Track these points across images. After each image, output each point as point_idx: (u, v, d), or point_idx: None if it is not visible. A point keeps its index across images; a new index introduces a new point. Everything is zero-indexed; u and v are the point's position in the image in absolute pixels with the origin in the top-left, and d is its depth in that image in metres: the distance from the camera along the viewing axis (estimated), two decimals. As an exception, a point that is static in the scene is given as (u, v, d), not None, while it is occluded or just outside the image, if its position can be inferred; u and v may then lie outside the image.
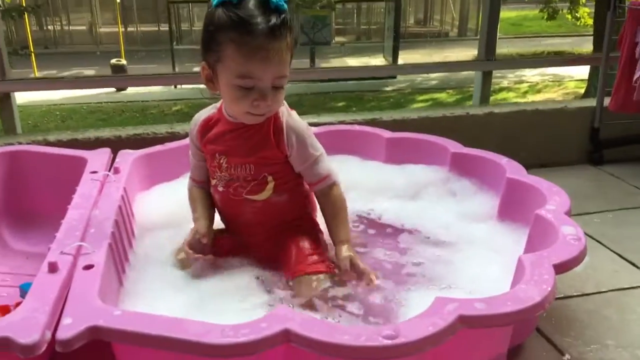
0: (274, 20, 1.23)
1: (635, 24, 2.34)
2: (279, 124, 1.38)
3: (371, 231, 1.65)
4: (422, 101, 12.59)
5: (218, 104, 1.44)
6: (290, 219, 1.46)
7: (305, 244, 1.40)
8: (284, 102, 1.39)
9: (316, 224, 1.50)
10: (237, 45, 1.23)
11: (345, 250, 1.36)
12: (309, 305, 1.25)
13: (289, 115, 1.40)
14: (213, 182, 1.46)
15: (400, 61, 14.95)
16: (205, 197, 1.49)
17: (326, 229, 1.45)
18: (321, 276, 1.33)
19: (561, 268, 1.19)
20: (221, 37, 1.25)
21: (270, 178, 1.40)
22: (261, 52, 1.23)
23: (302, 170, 1.42)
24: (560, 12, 12.63)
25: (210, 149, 1.43)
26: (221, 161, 1.41)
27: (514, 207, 1.62)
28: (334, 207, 1.42)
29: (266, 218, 1.44)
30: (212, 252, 1.42)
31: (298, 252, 1.38)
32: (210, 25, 1.27)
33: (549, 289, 1.09)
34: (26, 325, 0.97)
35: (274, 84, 1.28)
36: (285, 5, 1.26)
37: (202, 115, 1.46)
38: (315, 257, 1.38)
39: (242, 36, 1.22)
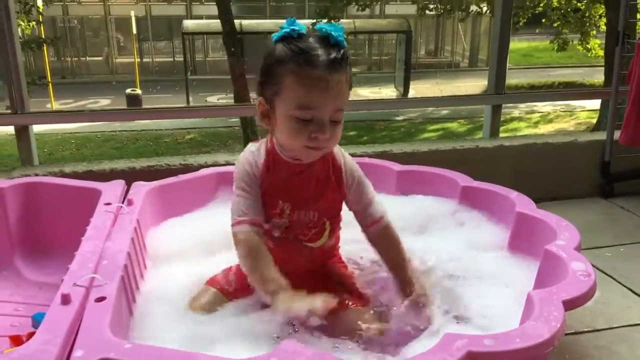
0: (334, 54, 1.24)
1: (644, 59, 2.37)
2: (337, 164, 1.39)
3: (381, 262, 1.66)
4: (433, 131, 12.66)
5: (262, 148, 1.38)
6: (331, 261, 1.50)
7: (346, 281, 1.46)
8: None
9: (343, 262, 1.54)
10: (298, 76, 1.23)
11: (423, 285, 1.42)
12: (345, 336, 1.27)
13: (344, 156, 1.42)
14: (265, 225, 1.38)
15: (411, 91, 15.10)
16: (266, 247, 1.33)
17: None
18: (363, 309, 1.37)
19: (571, 304, 1.19)
20: (281, 70, 1.25)
21: (327, 224, 1.42)
22: (321, 82, 1.22)
23: (359, 210, 1.43)
24: (571, 43, 12.71)
25: (272, 193, 1.36)
26: (284, 208, 1.37)
27: (523, 241, 1.62)
28: (398, 244, 1.44)
29: (316, 262, 1.46)
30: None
31: (341, 289, 1.41)
32: (270, 59, 1.27)
33: (558, 325, 1.09)
34: (38, 357, 0.99)
35: (332, 118, 1.26)
36: (345, 42, 1.27)
37: (255, 157, 1.37)
38: (354, 293, 1.43)
39: (303, 67, 1.22)
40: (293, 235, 1.40)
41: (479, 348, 1.02)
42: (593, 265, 1.89)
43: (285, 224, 1.38)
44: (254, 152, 1.39)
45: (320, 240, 1.43)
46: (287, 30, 1.25)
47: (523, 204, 1.69)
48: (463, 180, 1.89)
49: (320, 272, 1.47)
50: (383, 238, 1.44)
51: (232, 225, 1.33)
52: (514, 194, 1.75)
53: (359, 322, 1.31)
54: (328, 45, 1.24)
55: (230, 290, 1.41)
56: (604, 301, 1.69)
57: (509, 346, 1.04)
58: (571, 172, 2.55)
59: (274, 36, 1.28)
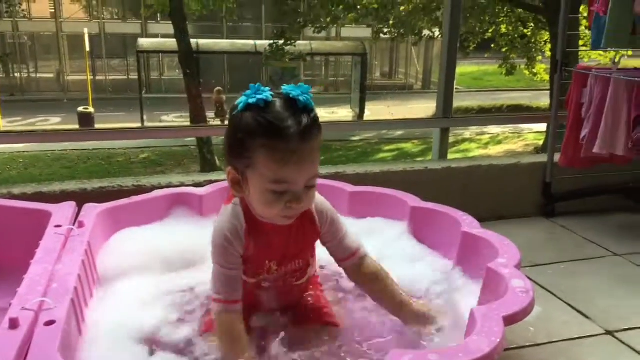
0: (305, 121, 1.20)
1: (580, 87, 2.51)
2: (309, 211, 1.38)
3: (337, 285, 1.69)
4: (388, 151, 12.90)
5: (240, 214, 1.34)
6: (310, 288, 1.56)
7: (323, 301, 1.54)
8: None
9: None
10: (270, 151, 1.19)
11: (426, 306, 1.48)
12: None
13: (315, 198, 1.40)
14: (252, 280, 1.40)
15: (367, 112, 15.35)
16: (243, 327, 1.33)
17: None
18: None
19: (510, 320, 1.25)
20: (251, 144, 1.20)
21: (311, 258, 1.48)
22: (294, 156, 1.19)
23: (333, 245, 1.44)
24: (519, 67, 13.26)
25: (257, 258, 1.37)
26: (271, 266, 1.39)
27: (468, 260, 1.69)
28: (380, 273, 1.45)
29: (305, 292, 1.52)
30: None
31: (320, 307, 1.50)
32: (238, 131, 1.22)
33: (498, 340, 1.15)
34: (-15, 383, 0.97)
35: (307, 184, 1.25)
36: (312, 103, 1.23)
37: (235, 226, 1.33)
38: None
39: (274, 142, 1.18)
40: (283, 281, 1.44)
41: (424, 363, 1.07)
42: (535, 282, 1.99)
43: (273, 277, 1.42)
44: (232, 220, 1.34)
45: (307, 275, 1.49)
46: (254, 99, 1.21)
47: (468, 223, 1.76)
48: (412, 201, 1.95)
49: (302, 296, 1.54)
50: (361, 271, 1.45)
51: (212, 299, 1.35)
52: (459, 214, 1.83)
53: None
54: (297, 111, 1.20)
55: None
56: (545, 317, 1.77)
57: (452, 361, 1.09)
58: (515, 192, 2.67)
59: (240, 104, 1.23)
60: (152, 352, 1.31)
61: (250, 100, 1.21)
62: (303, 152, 1.20)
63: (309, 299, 1.53)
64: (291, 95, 1.21)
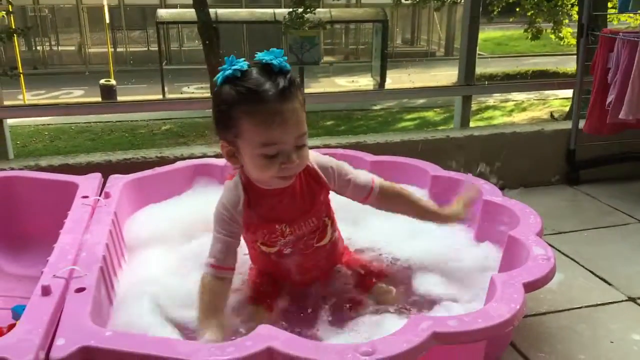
0: (282, 82, 1.24)
1: (607, 51, 2.45)
2: (311, 169, 1.41)
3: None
4: (409, 120, 12.76)
5: (239, 185, 1.38)
6: (341, 253, 1.59)
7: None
8: None
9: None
10: (253, 117, 1.24)
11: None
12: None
13: (313, 158, 1.43)
14: (273, 249, 1.44)
15: (388, 80, 15.16)
16: (227, 295, 1.37)
17: None
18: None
19: (531, 287, 1.25)
20: (235, 113, 1.25)
21: (327, 219, 1.48)
22: (277, 117, 1.23)
23: (350, 191, 1.47)
24: (545, 32, 12.90)
25: (266, 224, 1.40)
26: (283, 229, 1.41)
27: (490, 228, 1.69)
28: (400, 190, 1.52)
29: (333, 256, 1.54)
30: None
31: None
32: (222, 104, 1.27)
33: (518, 306, 1.16)
34: (21, 347, 1.02)
35: (296, 144, 1.28)
36: (289, 66, 1.27)
37: (233, 198, 1.38)
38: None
39: (255, 106, 1.23)
40: (303, 243, 1.45)
41: (444, 329, 1.09)
42: (557, 250, 1.99)
43: (290, 240, 1.43)
44: (232, 192, 1.38)
45: (328, 236, 1.49)
46: (230, 71, 1.25)
47: (489, 192, 1.76)
48: (433, 169, 1.95)
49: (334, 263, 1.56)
50: (384, 197, 1.50)
51: (205, 263, 1.37)
52: (481, 182, 1.82)
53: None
54: (273, 75, 1.25)
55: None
56: (567, 284, 1.78)
57: (472, 326, 1.10)
58: (538, 160, 2.64)
59: (218, 79, 1.27)
60: (179, 320, 1.34)
61: (227, 73, 1.26)
62: (285, 112, 1.24)
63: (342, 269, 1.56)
64: (264, 61, 1.26)
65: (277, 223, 1.40)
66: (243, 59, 1.27)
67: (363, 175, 1.50)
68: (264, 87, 1.23)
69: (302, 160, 1.32)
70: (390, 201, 1.52)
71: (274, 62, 1.25)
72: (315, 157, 1.44)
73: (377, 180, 1.51)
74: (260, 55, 1.27)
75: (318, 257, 1.49)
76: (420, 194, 1.92)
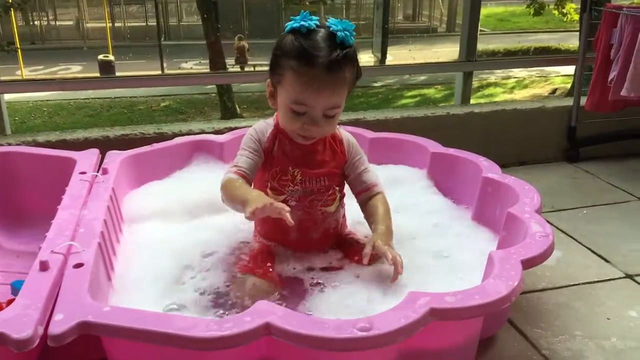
0: (335, 54, 1.30)
1: (610, 27, 2.42)
2: (338, 136, 1.51)
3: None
4: (410, 97, 12.68)
5: (272, 120, 1.48)
6: (345, 232, 1.60)
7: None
8: None
9: None
10: (296, 74, 1.31)
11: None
12: None
13: (343, 131, 1.54)
14: (280, 197, 1.45)
15: (389, 57, 15.03)
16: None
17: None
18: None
19: (528, 263, 1.25)
20: (284, 63, 1.33)
21: (337, 189, 1.51)
22: (315, 83, 1.30)
23: (353, 178, 1.52)
24: (547, 7, 12.72)
25: (281, 161, 1.45)
26: (295, 173, 1.45)
27: (488, 205, 1.69)
28: (384, 208, 1.49)
29: (335, 230, 1.55)
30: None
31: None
32: (278, 49, 1.36)
33: (515, 283, 1.16)
34: (20, 321, 1.02)
35: (325, 113, 1.35)
36: (352, 40, 1.33)
37: (264, 126, 1.48)
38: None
39: (302, 66, 1.30)
40: (309, 201, 1.47)
41: (441, 305, 1.09)
42: (556, 227, 1.99)
43: (298, 191, 1.45)
44: (264, 122, 1.49)
45: (333, 205, 1.51)
46: (297, 24, 1.33)
47: (489, 168, 1.75)
48: (433, 146, 1.94)
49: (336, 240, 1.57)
50: (371, 202, 1.51)
51: (227, 171, 1.43)
52: (480, 159, 1.81)
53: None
54: (333, 44, 1.31)
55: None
56: (565, 260, 1.78)
57: (469, 302, 1.10)
58: (539, 137, 2.63)
59: (287, 26, 1.36)
60: (176, 296, 1.35)
61: (294, 25, 1.34)
62: (325, 81, 1.30)
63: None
64: (331, 29, 1.32)
65: (291, 165, 1.45)
66: (317, 18, 1.34)
67: (373, 176, 1.54)
68: (316, 52, 1.30)
69: (326, 128, 1.39)
70: (373, 205, 1.50)
71: (339, 33, 1.31)
72: (348, 133, 1.55)
73: (379, 190, 1.53)
74: (331, 21, 1.34)
75: (319, 220, 1.50)
76: (419, 171, 1.92)
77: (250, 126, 1.52)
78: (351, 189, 1.55)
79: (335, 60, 1.29)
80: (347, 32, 1.32)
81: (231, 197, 1.37)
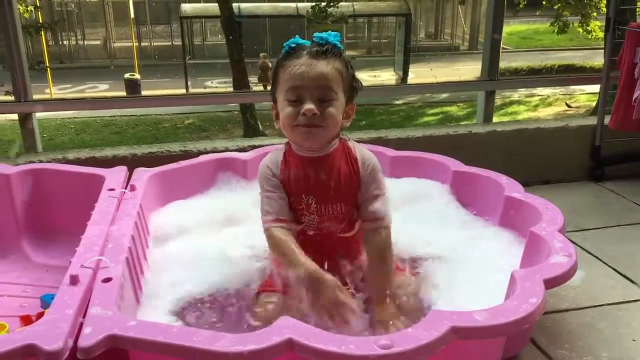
0: (319, 48, 1.39)
1: (634, 46, 2.41)
2: (352, 155, 1.47)
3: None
4: (432, 115, 12.65)
5: (281, 150, 1.49)
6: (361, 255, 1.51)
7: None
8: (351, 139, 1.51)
9: None
10: (285, 68, 1.40)
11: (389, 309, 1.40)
12: None
13: (361, 150, 1.50)
14: (298, 228, 1.44)
15: (410, 74, 15.05)
16: (296, 240, 1.40)
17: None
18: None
19: (551, 283, 1.25)
20: (276, 70, 1.44)
21: (355, 213, 1.47)
22: (302, 66, 1.37)
23: (363, 199, 1.45)
24: (571, 25, 12.63)
25: (295, 190, 1.44)
26: (309, 202, 1.43)
27: (511, 224, 1.69)
28: (385, 251, 1.44)
29: (351, 252, 1.49)
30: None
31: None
32: (274, 66, 1.46)
33: (538, 303, 1.16)
34: (50, 334, 1.05)
35: (320, 97, 1.37)
36: (339, 45, 1.42)
37: (274, 157, 1.48)
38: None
39: (288, 59, 1.40)
40: (327, 230, 1.45)
41: (463, 323, 1.09)
42: (580, 247, 1.97)
43: (315, 220, 1.44)
44: (273, 153, 1.51)
45: (354, 229, 1.49)
46: (289, 43, 1.43)
47: (511, 187, 1.75)
48: (454, 165, 1.95)
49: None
50: (371, 240, 1.45)
51: (262, 222, 1.44)
52: (503, 178, 1.81)
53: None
54: (317, 44, 1.41)
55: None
56: (589, 281, 1.76)
57: (491, 322, 1.10)
58: (563, 156, 2.61)
59: (283, 50, 1.44)
60: (201, 311, 1.37)
61: (287, 43, 1.44)
62: (310, 64, 1.37)
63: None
64: (315, 37, 1.43)
65: (304, 193, 1.43)
66: (309, 42, 1.44)
67: (384, 207, 1.46)
68: (302, 50, 1.40)
69: (327, 116, 1.37)
70: (375, 244, 1.44)
71: (323, 35, 1.42)
72: (361, 148, 1.52)
73: (385, 224, 1.45)
74: (317, 34, 1.43)
75: (338, 245, 1.48)
76: (441, 189, 1.92)
77: (273, 144, 1.55)
78: (358, 210, 1.48)
79: (319, 50, 1.38)
80: (332, 37, 1.41)
81: (289, 262, 1.34)
